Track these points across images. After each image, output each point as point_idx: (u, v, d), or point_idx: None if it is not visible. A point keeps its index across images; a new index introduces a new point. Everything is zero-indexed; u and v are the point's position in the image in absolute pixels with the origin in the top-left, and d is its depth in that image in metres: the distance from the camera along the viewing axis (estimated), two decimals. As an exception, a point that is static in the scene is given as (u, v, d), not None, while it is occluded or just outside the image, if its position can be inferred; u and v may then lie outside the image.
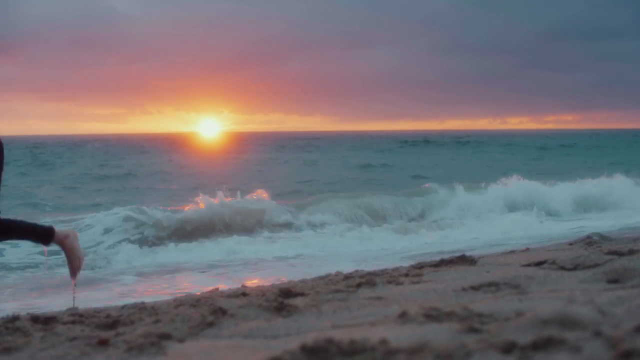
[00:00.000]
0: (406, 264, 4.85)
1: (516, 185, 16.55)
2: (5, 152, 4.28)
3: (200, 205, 13.36)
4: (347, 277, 3.68)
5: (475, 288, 3.03)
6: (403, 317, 2.37)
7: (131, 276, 8.43)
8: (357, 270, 3.93)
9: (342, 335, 2.04)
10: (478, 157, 41.25)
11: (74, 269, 4.53)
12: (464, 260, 3.97)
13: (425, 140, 66.87)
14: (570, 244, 4.57)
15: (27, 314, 2.94)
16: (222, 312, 2.81)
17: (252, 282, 7.68)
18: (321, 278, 3.80)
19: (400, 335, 2.08)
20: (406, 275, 3.68)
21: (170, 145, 64.69)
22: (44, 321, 2.85)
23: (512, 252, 4.54)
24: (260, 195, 14.32)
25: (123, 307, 3.18)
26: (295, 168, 33.79)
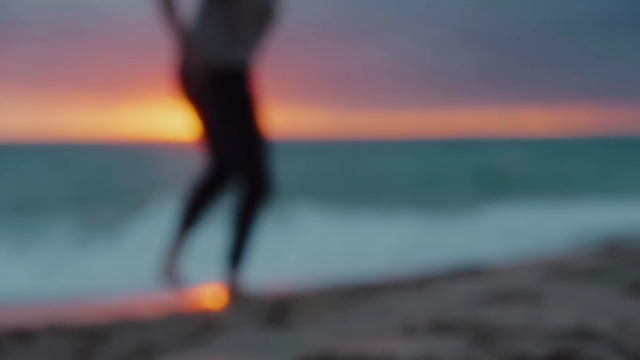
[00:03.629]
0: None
1: None
2: None
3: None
4: (349, 286, 3.68)
5: (485, 298, 3.04)
6: (409, 329, 2.37)
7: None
8: (359, 279, 3.94)
9: (344, 348, 2.05)
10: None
11: None
12: (473, 268, 3.98)
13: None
14: (588, 250, 4.58)
15: (6, 327, 2.95)
16: (215, 323, 2.81)
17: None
18: (321, 287, 3.81)
19: (406, 349, 2.09)
20: (412, 284, 3.69)
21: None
22: (23, 334, 2.85)
23: (525, 259, 4.55)
24: None
25: (108, 318, 3.19)
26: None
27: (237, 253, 4.04)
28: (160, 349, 2.48)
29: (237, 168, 4.13)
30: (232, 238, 4.03)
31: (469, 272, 3.97)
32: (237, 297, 4.02)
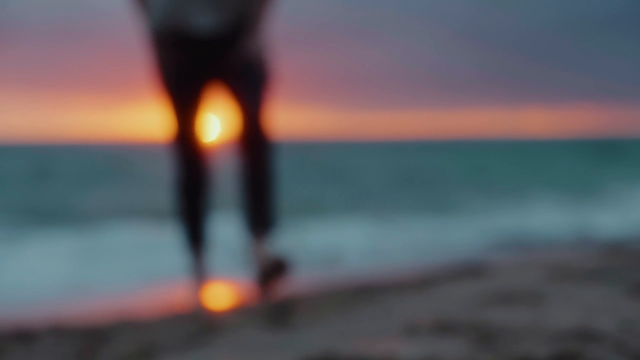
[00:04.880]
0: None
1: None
2: None
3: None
4: (350, 286, 3.69)
5: (488, 299, 3.05)
6: (411, 329, 2.38)
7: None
8: (361, 280, 3.95)
9: (346, 349, 2.06)
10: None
11: None
12: (475, 268, 3.99)
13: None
14: (591, 251, 4.59)
15: (7, 327, 2.96)
16: (217, 323, 2.82)
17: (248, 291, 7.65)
18: (323, 288, 3.81)
19: (409, 349, 2.10)
20: (414, 285, 3.70)
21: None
22: (25, 335, 2.86)
23: (528, 260, 4.56)
24: None
25: (110, 319, 3.20)
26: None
27: (260, 219, 3.44)
28: (162, 349, 2.49)
29: (186, 179, 3.59)
30: (249, 206, 3.46)
31: (471, 273, 3.98)
32: (273, 266, 3.34)
